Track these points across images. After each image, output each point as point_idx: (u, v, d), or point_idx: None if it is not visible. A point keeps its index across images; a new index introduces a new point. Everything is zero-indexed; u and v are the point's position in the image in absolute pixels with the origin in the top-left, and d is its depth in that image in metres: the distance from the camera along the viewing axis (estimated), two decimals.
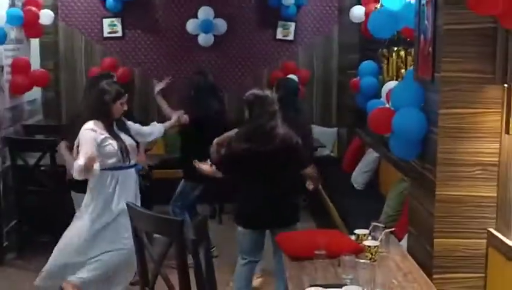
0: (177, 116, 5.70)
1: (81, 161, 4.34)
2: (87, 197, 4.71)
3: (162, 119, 5.82)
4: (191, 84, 6.13)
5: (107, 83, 4.83)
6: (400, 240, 4.43)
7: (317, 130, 8.22)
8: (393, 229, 3.72)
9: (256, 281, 5.30)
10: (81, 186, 4.79)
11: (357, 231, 3.70)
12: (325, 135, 8.16)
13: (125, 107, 4.79)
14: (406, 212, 4.56)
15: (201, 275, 3.03)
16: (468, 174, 3.57)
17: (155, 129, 5.36)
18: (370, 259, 3.36)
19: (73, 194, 5.22)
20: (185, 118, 5.79)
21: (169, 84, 6.57)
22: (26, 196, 6.01)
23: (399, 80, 5.67)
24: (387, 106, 4.40)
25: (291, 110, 5.07)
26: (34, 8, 6.70)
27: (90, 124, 4.59)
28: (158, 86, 6.39)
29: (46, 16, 6.91)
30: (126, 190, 4.68)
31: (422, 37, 3.85)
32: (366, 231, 3.67)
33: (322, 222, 6.68)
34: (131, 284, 4.97)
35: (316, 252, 3.40)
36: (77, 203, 5.16)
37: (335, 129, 8.41)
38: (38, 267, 5.72)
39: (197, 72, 6.41)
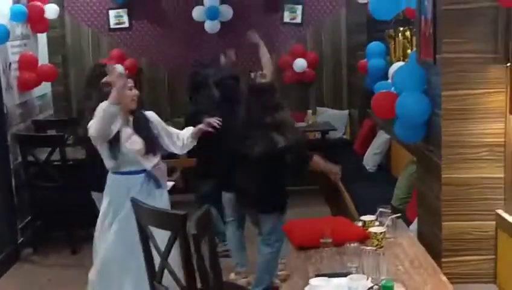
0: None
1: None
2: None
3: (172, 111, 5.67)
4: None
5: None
6: (411, 223, 4.41)
7: (329, 113, 8.22)
8: (399, 214, 3.67)
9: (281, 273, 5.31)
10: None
11: (363, 217, 3.67)
12: (336, 118, 8.11)
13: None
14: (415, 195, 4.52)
15: (204, 269, 3.03)
16: (474, 155, 3.52)
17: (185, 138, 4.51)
18: (376, 245, 3.33)
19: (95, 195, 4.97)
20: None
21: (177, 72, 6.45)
22: (38, 191, 6.03)
23: (406, 60, 5.61)
24: (392, 88, 4.35)
25: None
26: (38, 3, 6.69)
27: None
28: None
29: (51, 10, 6.89)
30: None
31: (423, 18, 3.80)
32: (373, 217, 3.64)
33: (336, 207, 6.66)
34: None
35: (322, 240, 3.39)
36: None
37: (346, 111, 8.35)
38: (54, 262, 5.84)
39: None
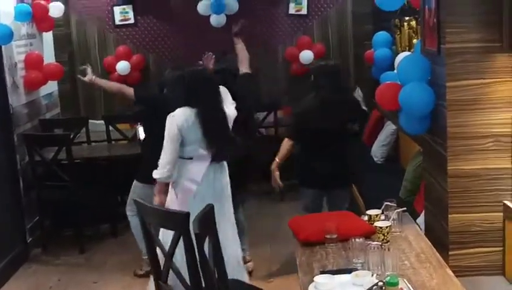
0: None
1: None
2: None
3: None
4: None
5: None
6: (419, 215, 4.37)
7: None
8: (405, 208, 3.62)
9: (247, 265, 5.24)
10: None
11: (369, 212, 3.63)
12: None
13: None
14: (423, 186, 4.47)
15: (208, 268, 3.00)
16: (481, 146, 3.48)
17: None
18: (382, 240, 3.29)
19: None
20: None
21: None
22: (46, 191, 6.02)
23: (412, 50, 5.54)
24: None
25: None
26: (43, 2, 6.65)
27: None
28: None
29: (55, 9, 6.85)
30: None
31: (426, 7, 3.74)
32: (378, 211, 3.60)
33: None
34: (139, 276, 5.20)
35: (327, 236, 3.36)
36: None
37: None
38: (63, 261, 5.83)
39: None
